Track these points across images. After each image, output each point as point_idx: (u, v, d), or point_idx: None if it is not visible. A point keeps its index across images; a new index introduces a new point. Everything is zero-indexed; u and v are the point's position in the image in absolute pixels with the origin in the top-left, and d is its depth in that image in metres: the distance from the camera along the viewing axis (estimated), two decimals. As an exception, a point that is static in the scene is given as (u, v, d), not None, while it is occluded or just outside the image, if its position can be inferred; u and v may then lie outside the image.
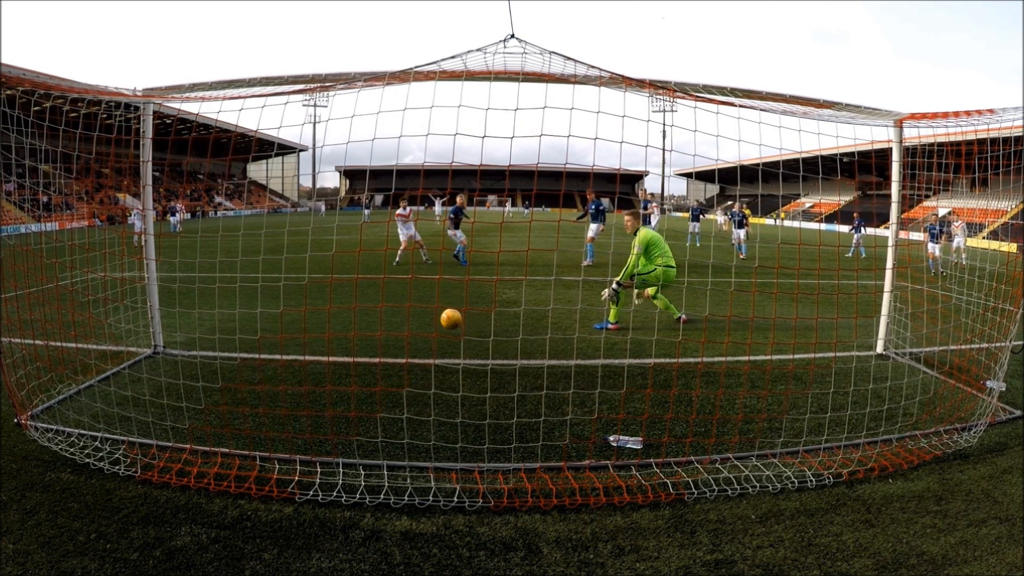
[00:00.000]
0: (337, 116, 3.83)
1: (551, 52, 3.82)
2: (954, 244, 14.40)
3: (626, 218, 7.51)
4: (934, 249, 14.09)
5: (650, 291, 7.35)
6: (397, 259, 13.31)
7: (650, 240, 7.07)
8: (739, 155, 4.08)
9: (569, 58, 3.91)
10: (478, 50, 3.77)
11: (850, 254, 18.05)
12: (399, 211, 13.47)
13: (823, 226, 36.03)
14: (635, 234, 7.25)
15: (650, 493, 3.30)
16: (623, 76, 4.04)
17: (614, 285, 7.07)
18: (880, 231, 16.28)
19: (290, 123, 5.17)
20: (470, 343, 5.79)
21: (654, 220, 15.07)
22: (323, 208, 47.95)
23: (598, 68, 3.99)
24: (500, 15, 3.68)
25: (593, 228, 13.78)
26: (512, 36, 3.68)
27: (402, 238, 13.41)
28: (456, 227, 13.72)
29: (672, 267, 7.14)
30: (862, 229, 18.99)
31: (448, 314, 4.82)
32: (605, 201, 16.35)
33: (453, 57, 3.88)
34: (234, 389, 4.63)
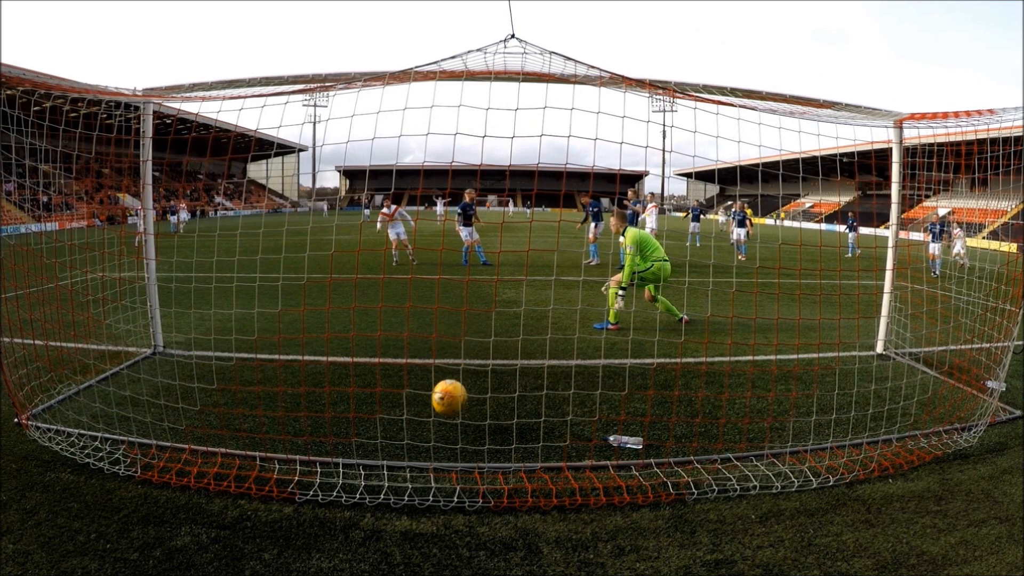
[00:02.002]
0: (337, 116, 3.84)
1: (551, 52, 3.82)
2: (953, 251, 14.40)
3: (611, 219, 7.51)
4: (934, 249, 14.08)
5: (649, 289, 7.33)
6: (396, 259, 13.30)
7: (640, 238, 7.08)
8: (739, 155, 4.09)
9: (569, 58, 3.91)
10: (478, 50, 3.77)
11: (849, 254, 18.07)
12: (383, 210, 13.46)
13: (823, 226, 36.06)
14: (622, 235, 7.23)
15: (650, 493, 3.30)
16: (623, 76, 4.04)
17: (620, 292, 7.08)
18: (880, 231, 16.30)
19: (290, 123, 5.16)
20: (470, 343, 5.78)
21: (652, 220, 14.99)
22: (325, 208, 47.91)
23: (598, 68, 3.99)
24: (500, 16, 3.68)
25: (592, 228, 13.78)
26: (512, 36, 3.68)
27: (391, 237, 13.35)
28: (466, 224, 13.35)
29: (666, 261, 7.14)
30: (856, 228, 19.08)
31: (447, 397, 3.89)
32: (604, 201, 16.34)
33: (453, 57, 3.88)
34: (233, 389, 4.63)
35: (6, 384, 4.09)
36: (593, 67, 3.98)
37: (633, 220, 7.53)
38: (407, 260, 13.36)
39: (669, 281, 7.40)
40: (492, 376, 4.89)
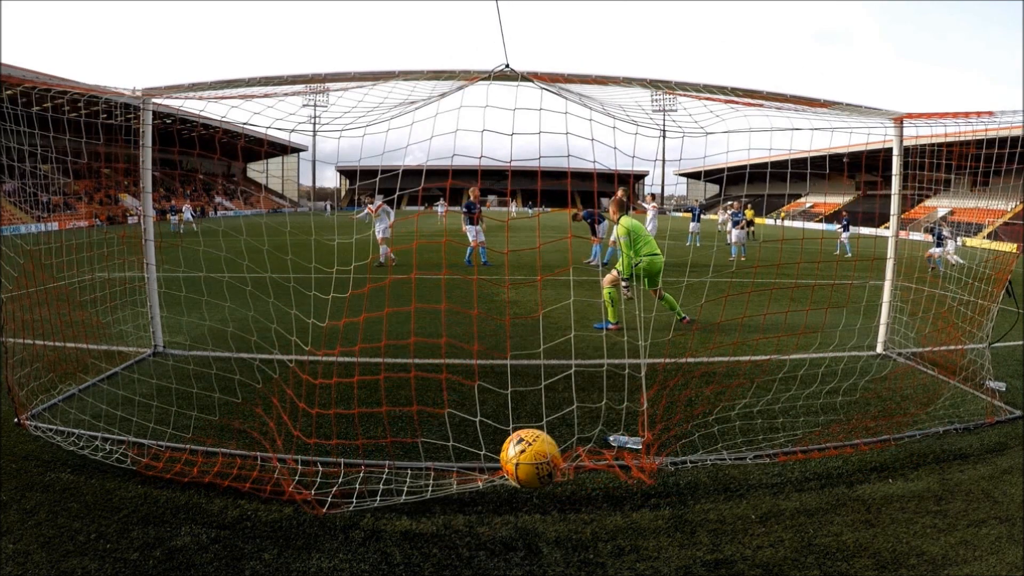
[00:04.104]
0: (336, 115, 3.85)
1: (549, 90, 3.81)
2: (942, 250, 14.41)
3: (610, 207, 7.40)
4: (935, 250, 14.08)
5: (645, 283, 7.12)
6: (381, 259, 13.06)
7: (631, 228, 6.87)
8: (727, 157, 4.09)
9: (571, 93, 3.90)
10: (476, 82, 3.78)
11: (849, 254, 18.08)
12: (369, 205, 13.39)
13: (823, 226, 36.12)
14: (616, 223, 7.05)
15: (650, 493, 3.30)
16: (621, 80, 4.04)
17: (624, 283, 7.00)
18: (880, 231, 16.30)
19: (295, 128, 5.09)
20: (470, 343, 5.78)
21: (650, 222, 14.90)
22: (328, 208, 47.91)
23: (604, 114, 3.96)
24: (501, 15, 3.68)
25: (601, 230, 13.67)
26: (507, 66, 3.68)
27: (377, 235, 13.13)
28: (472, 223, 13.01)
29: (657, 254, 6.96)
30: (849, 228, 19.15)
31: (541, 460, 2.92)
32: (604, 201, 16.27)
33: (453, 89, 3.88)
34: (234, 389, 4.63)
35: (8, 383, 4.09)
36: (598, 108, 3.94)
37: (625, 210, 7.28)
38: (393, 259, 13.13)
39: (666, 278, 7.28)
40: (492, 376, 4.89)
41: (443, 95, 3.87)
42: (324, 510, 3.07)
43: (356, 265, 5.00)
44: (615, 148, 3.56)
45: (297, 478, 3.33)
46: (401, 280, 10.11)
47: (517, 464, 2.92)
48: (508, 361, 5.31)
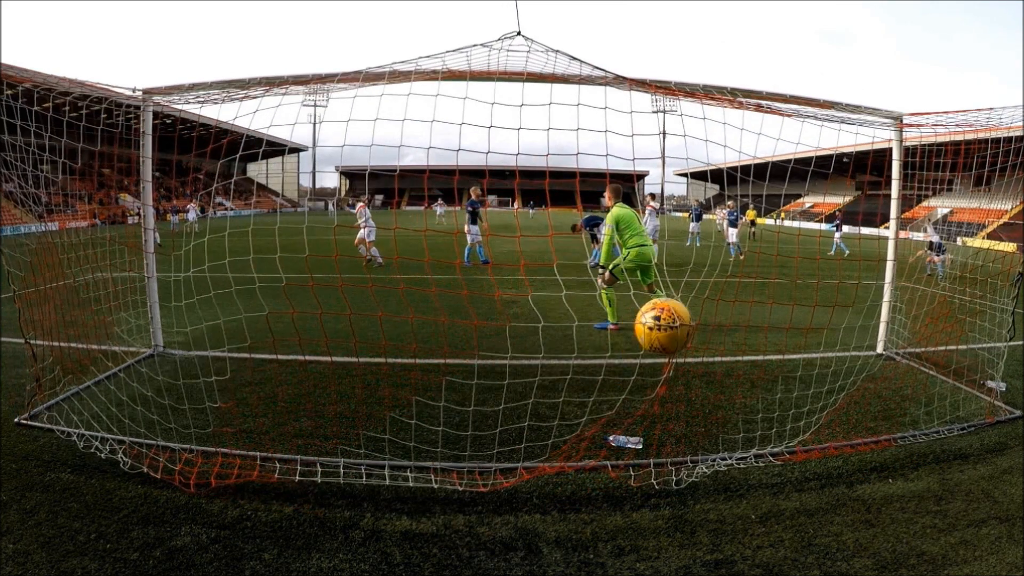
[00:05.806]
0: (338, 117, 3.85)
1: (556, 51, 3.81)
2: (944, 257, 14.38)
3: (607, 193, 7.18)
4: (935, 256, 14.06)
5: (640, 278, 6.97)
6: (378, 261, 12.98)
7: (619, 217, 6.67)
8: (722, 157, 4.08)
9: (574, 58, 3.90)
10: (483, 45, 3.75)
11: (847, 252, 18.08)
12: (353, 209, 13.44)
13: (822, 226, 36.12)
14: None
15: (650, 493, 3.30)
16: (625, 77, 4.04)
17: (600, 269, 6.87)
18: (880, 231, 16.28)
19: (293, 124, 5.05)
20: (471, 343, 5.78)
21: (650, 223, 14.88)
22: (332, 207, 47.94)
23: (602, 69, 3.98)
24: (506, 18, 3.68)
25: (601, 231, 13.71)
26: (519, 34, 3.66)
27: (365, 237, 13.04)
28: (473, 222, 13.05)
29: (646, 246, 6.74)
30: (841, 228, 19.20)
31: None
32: (604, 200, 16.28)
33: (458, 50, 3.85)
34: (235, 389, 4.63)
35: (34, 373, 4.10)
36: (597, 68, 3.97)
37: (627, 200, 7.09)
38: (386, 260, 13.02)
39: (658, 273, 7.15)
40: (492, 376, 4.89)
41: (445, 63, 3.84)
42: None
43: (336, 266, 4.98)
44: (632, 135, 3.52)
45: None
46: (398, 280, 10.11)
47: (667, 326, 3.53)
48: (540, 361, 5.33)
